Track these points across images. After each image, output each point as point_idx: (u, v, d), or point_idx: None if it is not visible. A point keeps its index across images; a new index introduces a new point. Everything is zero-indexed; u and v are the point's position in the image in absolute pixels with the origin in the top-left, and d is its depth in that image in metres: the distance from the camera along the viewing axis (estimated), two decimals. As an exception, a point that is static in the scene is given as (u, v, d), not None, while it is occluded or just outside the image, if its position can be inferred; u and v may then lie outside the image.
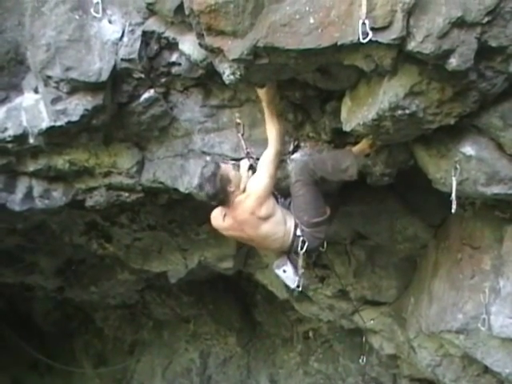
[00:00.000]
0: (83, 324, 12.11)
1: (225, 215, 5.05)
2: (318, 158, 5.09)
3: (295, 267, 5.21)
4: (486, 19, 3.41)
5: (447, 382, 6.46)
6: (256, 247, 6.00)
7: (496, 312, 5.13)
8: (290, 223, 5.05)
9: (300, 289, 5.32)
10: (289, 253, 5.20)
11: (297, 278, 5.23)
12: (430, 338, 6.22)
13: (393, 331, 7.29)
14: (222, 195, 4.79)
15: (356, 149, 5.00)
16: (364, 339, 8.22)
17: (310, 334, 9.92)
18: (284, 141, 4.88)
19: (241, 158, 5.15)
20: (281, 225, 5.02)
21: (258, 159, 5.00)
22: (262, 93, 4.66)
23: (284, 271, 5.27)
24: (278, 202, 5.19)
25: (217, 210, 5.12)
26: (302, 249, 5.03)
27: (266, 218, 4.93)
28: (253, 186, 4.85)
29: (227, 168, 4.90)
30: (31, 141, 5.30)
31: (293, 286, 5.30)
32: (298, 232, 5.03)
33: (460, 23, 3.39)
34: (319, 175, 4.89)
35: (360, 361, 8.32)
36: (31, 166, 5.74)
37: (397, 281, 6.94)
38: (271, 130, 4.79)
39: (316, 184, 4.92)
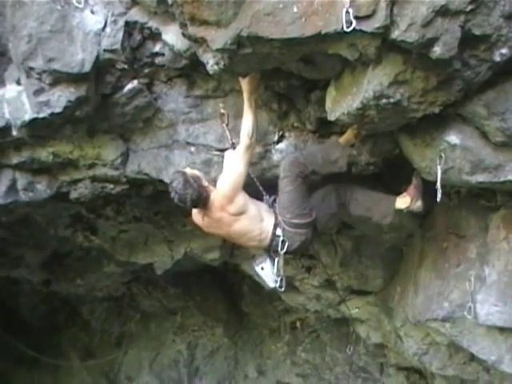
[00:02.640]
0: (70, 317, 12.06)
1: (203, 214, 5.05)
2: (307, 151, 5.08)
3: (272, 260, 5.19)
4: (470, 7, 3.40)
5: (434, 370, 6.52)
6: (238, 244, 5.95)
7: (482, 300, 5.16)
8: (268, 221, 5.02)
9: (282, 289, 5.30)
10: (268, 251, 5.18)
11: (276, 278, 5.22)
12: (417, 326, 6.26)
13: (379, 320, 7.32)
14: (204, 194, 4.79)
15: (342, 139, 5.00)
16: (351, 329, 8.26)
17: (298, 324, 9.95)
18: (255, 135, 4.82)
19: (225, 149, 5.13)
20: (256, 222, 5.01)
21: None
22: (244, 82, 4.62)
23: (262, 268, 5.26)
24: (263, 198, 5.17)
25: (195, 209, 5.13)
26: (281, 249, 5.02)
27: (237, 215, 4.92)
28: (220, 183, 4.86)
29: (190, 170, 4.94)
30: (14, 133, 5.25)
31: (272, 285, 5.29)
32: (278, 231, 5.00)
33: (444, 11, 3.38)
34: (310, 169, 4.90)
35: (347, 350, 8.37)
36: (15, 159, 5.70)
37: (383, 270, 6.97)
38: (245, 123, 4.74)
39: (305, 181, 4.91)
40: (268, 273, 5.23)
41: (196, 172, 4.93)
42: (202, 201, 4.83)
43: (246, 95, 4.68)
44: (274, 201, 5.11)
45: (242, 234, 5.09)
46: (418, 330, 6.34)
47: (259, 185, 5.19)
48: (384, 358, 8.33)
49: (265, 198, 5.19)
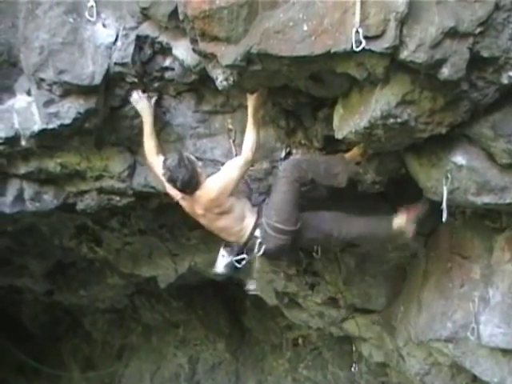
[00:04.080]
0: (71, 328, 12.04)
1: (183, 198, 5.01)
2: (311, 159, 5.08)
3: (233, 255, 5.19)
4: (479, 30, 3.44)
5: (435, 390, 6.48)
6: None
7: (485, 321, 5.14)
8: (250, 220, 5.00)
9: (222, 272, 5.34)
10: (242, 249, 5.13)
11: (228, 267, 5.24)
12: (419, 346, 6.23)
13: (382, 339, 7.29)
14: (195, 178, 4.75)
15: (348, 155, 5.01)
16: (353, 347, 8.22)
17: (300, 341, 9.90)
18: (258, 151, 4.87)
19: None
20: (238, 220, 5.00)
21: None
22: (251, 98, 4.64)
23: (223, 256, 5.26)
24: (250, 198, 5.18)
25: None
26: (258, 251, 5.00)
27: (221, 214, 4.93)
28: (210, 185, 4.83)
29: (188, 154, 4.92)
30: (23, 143, 5.27)
31: (218, 270, 5.33)
32: (257, 232, 4.97)
33: (452, 33, 3.41)
34: (310, 177, 4.87)
35: (352, 369, 8.33)
36: (22, 169, 5.71)
37: (386, 289, 6.94)
38: (249, 138, 4.74)
39: (301, 188, 4.88)
40: (222, 261, 5.26)
41: (192, 157, 4.90)
42: (192, 185, 4.78)
43: (251, 111, 4.68)
44: (263, 201, 5.11)
45: (222, 230, 5.10)
46: (421, 349, 6.31)
47: (250, 183, 5.22)
48: (386, 377, 8.27)
49: (253, 195, 5.21)
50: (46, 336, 11.89)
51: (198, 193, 4.83)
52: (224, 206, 4.89)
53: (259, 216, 5.00)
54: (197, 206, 4.94)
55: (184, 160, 4.72)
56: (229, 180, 4.80)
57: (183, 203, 5.10)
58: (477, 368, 5.50)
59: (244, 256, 5.13)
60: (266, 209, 5.00)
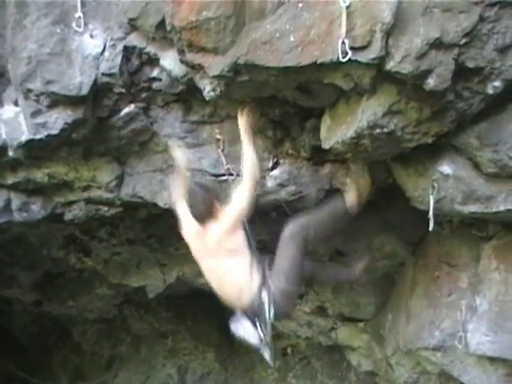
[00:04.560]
0: (61, 338, 11.97)
1: (196, 232, 4.94)
2: (315, 217, 5.02)
3: (253, 322, 4.96)
4: (464, 41, 3.46)
5: (424, 399, 6.48)
6: (215, 288, 5.26)
7: (472, 330, 5.16)
8: (256, 279, 4.86)
9: (268, 347, 5.08)
10: (245, 312, 4.96)
11: (257, 332, 4.96)
12: (408, 355, 6.24)
13: (371, 348, 7.30)
14: (203, 207, 4.74)
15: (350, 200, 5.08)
16: (342, 356, 8.21)
17: (289, 350, 9.89)
18: (260, 171, 4.83)
19: (220, 174, 5.16)
20: (246, 270, 4.84)
21: (237, 175, 5.02)
22: (241, 117, 4.65)
23: (241, 327, 5.03)
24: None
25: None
26: (269, 316, 4.84)
27: (231, 252, 4.79)
28: (224, 213, 4.76)
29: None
30: (10, 153, 5.27)
31: (256, 341, 5.00)
32: (264, 295, 4.81)
33: (438, 44, 3.43)
34: (319, 235, 5.01)
35: (338, 374, 8.32)
36: (10, 179, 5.70)
37: (375, 298, 6.96)
38: (248, 162, 4.65)
39: (307, 248, 4.90)
40: (248, 331, 4.99)
41: (217, 200, 4.87)
42: (196, 210, 4.79)
43: (243, 131, 4.68)
44: (263, 261, 4.98)
45: (227, 272, 4.89)
46: (409, 358, 6.32)
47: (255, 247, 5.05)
48: (375, 386, 8.30)
49: (254, 252, 5.00)
50: (36, 347, 11.82)
51: (213, 224, 4.77)
52: (237, 238, 4.80)
53: (264, 276, 4.88)
54: (209, 239, 4.82)
55: (208, 188, 4.89)
56: (241, 208, 4.71)
57: (194, 240, 5.01)
58: (465, 376, 5.52)
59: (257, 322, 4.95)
60: (274, 272, 4.89)
